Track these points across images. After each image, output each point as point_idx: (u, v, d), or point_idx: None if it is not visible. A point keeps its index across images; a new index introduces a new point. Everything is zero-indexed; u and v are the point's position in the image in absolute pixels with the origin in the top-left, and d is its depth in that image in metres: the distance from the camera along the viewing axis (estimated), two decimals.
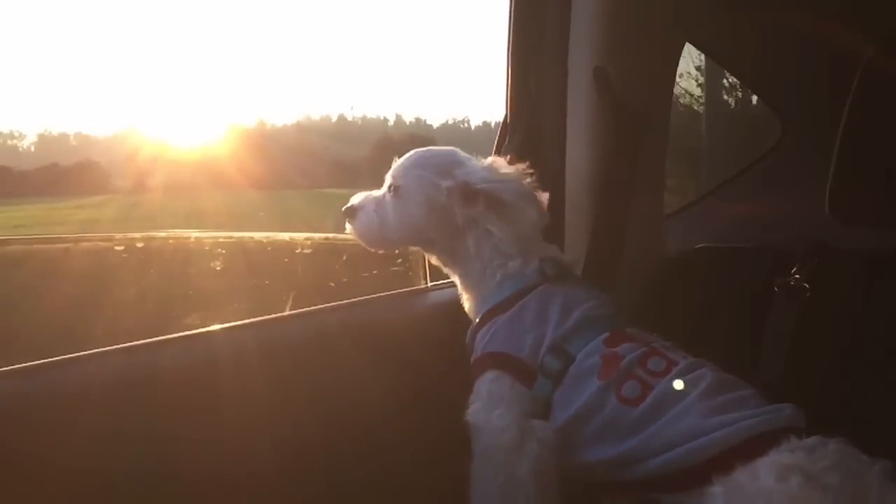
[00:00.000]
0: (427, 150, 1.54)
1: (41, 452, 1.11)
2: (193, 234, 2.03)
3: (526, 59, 1.84)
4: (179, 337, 1.37)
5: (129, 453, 1.17)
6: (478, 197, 1.42)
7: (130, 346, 1.29)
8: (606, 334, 1.33)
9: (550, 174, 1.70)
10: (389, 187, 1.53)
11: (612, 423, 1.23)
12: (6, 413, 1.11)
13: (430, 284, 1.84)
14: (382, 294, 1.80)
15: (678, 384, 1.23)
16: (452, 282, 1.60)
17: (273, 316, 1.56)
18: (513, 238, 1.44)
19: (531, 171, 1.47)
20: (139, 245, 1.95)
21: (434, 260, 1.58)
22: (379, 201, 1.54)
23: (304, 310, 1.61)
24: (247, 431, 1.32)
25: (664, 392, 1.22)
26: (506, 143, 1.87)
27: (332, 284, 1.99)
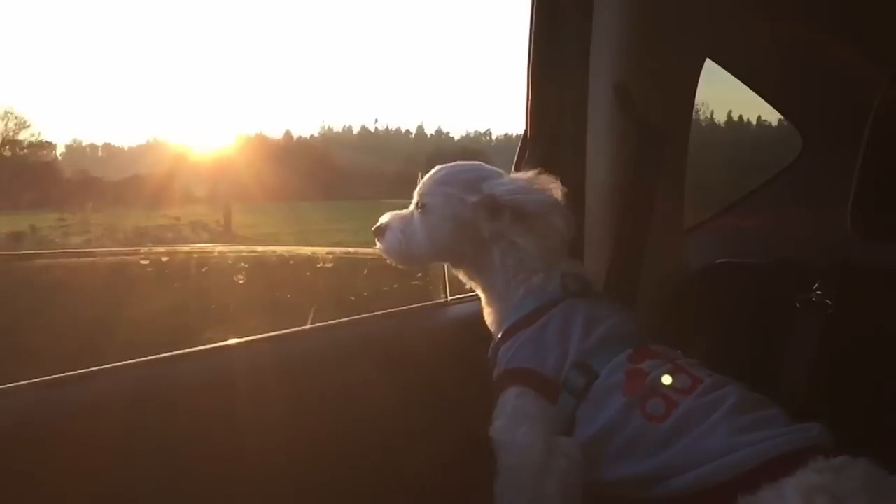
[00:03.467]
0: (453, 165, 1.54)
1: (59, 465, 1.11)
2: (217, 248, 2.05)
3: (547, 73, 1.84)
4: (197, 351, 1.37)
5: (146, 466, 1.18)
6: (504, 210, 1.43)
7: (148, 360, 1.29)
8: (630, 351, 1.32)
9: (570, 188, 1.69)
10: (417, 205, 1.53)
11: (637, 440, 1.23)
12: (25, 426, 1.11)
13: (450, 298, 1.84)
14: (402, 308, 1.80)
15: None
16: (472, 296, 1.60)
17: (291, 330, 1.55)
18: (539, 251, 1.44)
19: (556, 180, 1.47)
20: (164, 259, 1.97)
21: (461, 275, 1.58)
22: (406, 219, 1.54)
23: (322, 324, 1.61)
24: (264, 445, 1.31)
25: (689, 410, 1.21)
26: (526, 156, 1.87)
27: (353, 298, 2.00)
